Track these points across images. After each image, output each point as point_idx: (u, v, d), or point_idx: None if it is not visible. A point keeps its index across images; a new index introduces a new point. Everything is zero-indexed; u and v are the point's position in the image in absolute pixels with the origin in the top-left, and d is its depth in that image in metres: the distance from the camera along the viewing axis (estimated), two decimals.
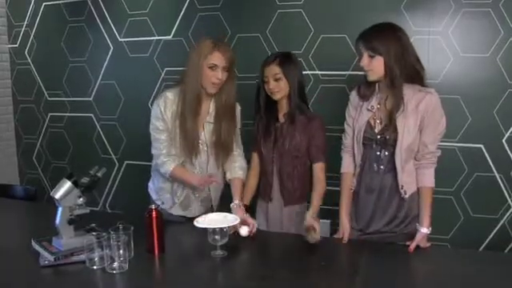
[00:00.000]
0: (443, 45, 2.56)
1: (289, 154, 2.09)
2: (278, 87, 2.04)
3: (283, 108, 2.12)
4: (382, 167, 1.82)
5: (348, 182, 1.94)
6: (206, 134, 2.07)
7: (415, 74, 1.75)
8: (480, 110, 2.55)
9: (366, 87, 1.86)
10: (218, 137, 2.05)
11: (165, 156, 2.02)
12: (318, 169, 2.07)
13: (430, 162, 1.79)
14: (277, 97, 2.07)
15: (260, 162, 2.18)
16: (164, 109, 1.99)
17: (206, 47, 1.94)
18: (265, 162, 2.15)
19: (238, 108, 2.15)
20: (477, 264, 1.66)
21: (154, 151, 2.07)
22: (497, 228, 2.61)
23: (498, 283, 1.49)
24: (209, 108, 2.06)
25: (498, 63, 2.48)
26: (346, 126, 1.96)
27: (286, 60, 2.06)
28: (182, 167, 2.05)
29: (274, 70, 2.03)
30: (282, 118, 2.12)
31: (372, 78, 1.78)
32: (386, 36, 1.73)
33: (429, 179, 1.79)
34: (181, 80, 2.03)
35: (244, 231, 1.83)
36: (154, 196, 2.19)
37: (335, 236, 1.94)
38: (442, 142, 1.83)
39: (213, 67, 1.93)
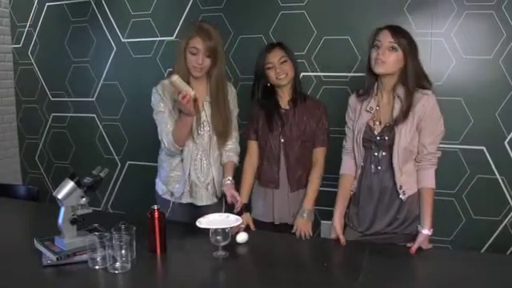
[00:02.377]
0: (446, 47, 2.56)
1: (298, 140, 2.10)
2: (285, 70, 2.06)
3: (285, 95, 2.13)
4: (379, 168, 1.82)
5: (346, 184, 1.93)
6: (206, 113, 2.07)
7: (420, 83, 1.77)
8: (482, 112, 2.55)
9: (365, 88, 1.86)
10: (217, 118, 2.06)
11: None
12: (321, 152, 2.13)
13: (430, 163, 1.78)
14: (283, 82, 2.07)
15: (261, 150, 2.16)
16: (163, 92, 2.01)
17: (188, 31, 1.98)
18: (270, 149, 2.13)
19: (234, 92, 2.17)
20: (478, 266, 1.66)
21: (161, 136, 2.02)
22: (499, 230, 2.61)
23: (499, 285, 1.49)
24: (205, 88, 2.07)
25: (500, 65, 2.49)
26: (346, 129, 1.96)
27: (285, 45, 2.12)
28: None
29: (279, 53, 2.06)
30: (286, 105, 2.13)
31: (380, 70, 1.75)
32: (409, 36, 1.76)
33: (429, 180, 1.79)
34: (173, 67, 2.06)
35: (241, 238, 1.82)
36: (160, 191, 2.16)
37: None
38: (443, 143, 1.84)
39: (194, 52, 1.95)
